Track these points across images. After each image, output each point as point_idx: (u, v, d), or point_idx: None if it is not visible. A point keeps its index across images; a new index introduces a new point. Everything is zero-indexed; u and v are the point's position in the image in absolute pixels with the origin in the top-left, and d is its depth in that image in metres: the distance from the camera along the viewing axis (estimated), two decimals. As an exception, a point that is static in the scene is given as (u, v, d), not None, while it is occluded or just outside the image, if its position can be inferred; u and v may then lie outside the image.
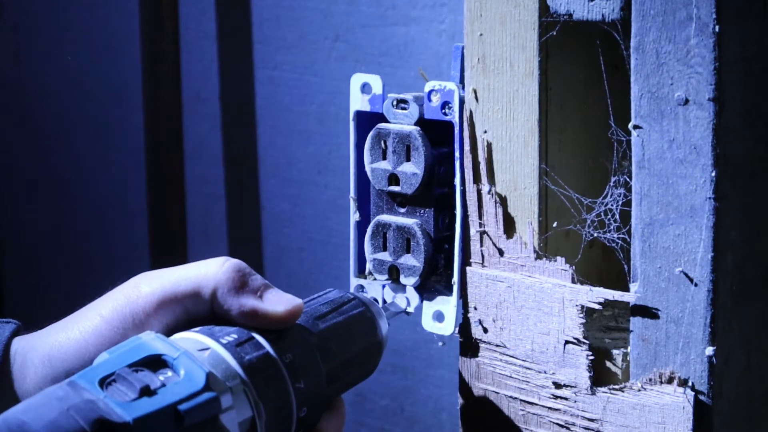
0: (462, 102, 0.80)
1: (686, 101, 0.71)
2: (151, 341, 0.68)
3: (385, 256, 0.84)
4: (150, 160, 1.69)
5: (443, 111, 0.80)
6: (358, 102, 0.84)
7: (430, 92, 0.80)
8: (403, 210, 0.84)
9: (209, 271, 0.75)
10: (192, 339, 0.70)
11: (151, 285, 0.76)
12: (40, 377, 0.75)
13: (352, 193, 0.86)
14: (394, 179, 0.83)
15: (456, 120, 0.80)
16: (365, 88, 0.83)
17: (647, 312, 0.74)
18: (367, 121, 0.84)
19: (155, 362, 0.67)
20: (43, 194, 1.96)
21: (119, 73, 1.81)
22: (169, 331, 0.74)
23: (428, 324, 0.84)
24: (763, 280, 0.76)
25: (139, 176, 1.74)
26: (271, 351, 0.71)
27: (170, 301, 0.75)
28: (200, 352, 0.69)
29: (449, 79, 0.81)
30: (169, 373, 0.66)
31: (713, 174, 0.71)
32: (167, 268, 0.77)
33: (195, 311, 0.75)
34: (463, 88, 0.80)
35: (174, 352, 0.67)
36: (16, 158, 1.99)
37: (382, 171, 0.83)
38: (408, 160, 0.82)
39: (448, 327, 0.83)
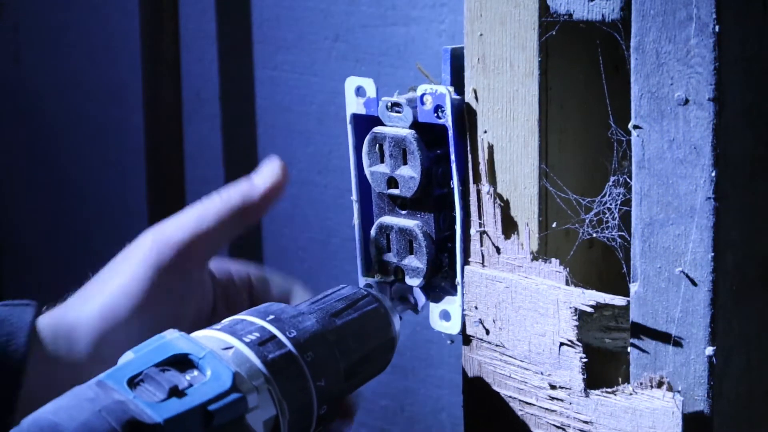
0: (454, 105, 0.79)
1: (686, 101, 0.71)
2: (176, 340, 0.68)
3: (390, 257, 0.84)
4: (150, 160, 1.69)
5: (436, 114, 0.80)
6: (353, 105, 0.83)
7: (422, 96, 0.80)
8: (404, 212, 0.84)
9: (215, 208, 0.83)
10: (215, 337, 0.70)
11: (179, 232, 0.82)
12: (97, 335, 0.80)
13: (354, 196, 0.86)
14: (393, 182, 0.83)
15: (449, 123, 0.79)
16: (359, 91, 0.83)
17: (647, 312, 0.74)
18: (364, 123, 0.84)
19: (181, 362, 0.67)
20: (43, 194, 1.96)
21: (119, 73, 1.81)
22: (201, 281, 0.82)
23: (436, 323, 0.84)
24: (763, 280, 0.76)
25: (139, 176, 1.74)
26: (293, 349, 0.71)
27: (198, 244, 0.82)
28: (224, 351, 0.69)
29: (442, 82, 0.81)
30: (196, 373, 0.67)
31: (713, 174, 0.71)
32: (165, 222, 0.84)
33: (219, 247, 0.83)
34: (455, 90, 0.80)
35: (200, 351, 0.68)
36: (16, 158, 1.99)
37: (380, 174, 0.83)
38: (405, 163, 0.81)
39: (454, 326, 0.83)
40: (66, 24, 1.88)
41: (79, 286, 0.87)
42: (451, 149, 0.80)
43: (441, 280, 0.84)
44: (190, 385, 0.65)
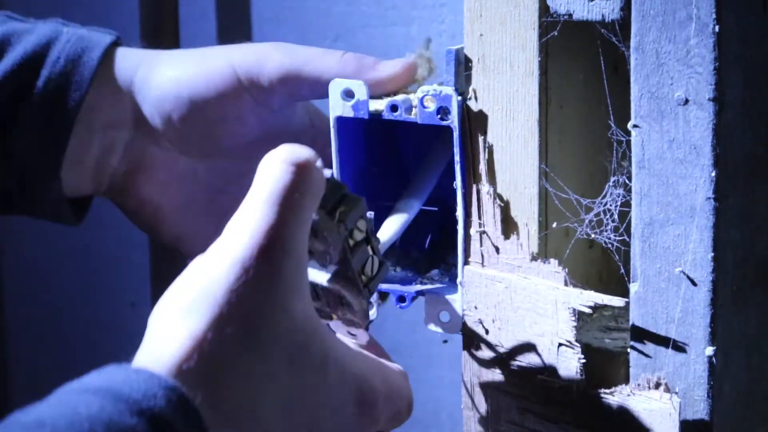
0: (460, 105, 0.79)
1: (686, 101, 0.71)
2: None
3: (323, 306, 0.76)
4: (150, 160, 1.69)
5: (440, 116, 0.79)
6: (339, 108, 0.82)
7: (422, 98, 0.79)
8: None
9: (332, 62, 0.82)
10: None
11: (281, 54, 0.83)
12: (162, 93, 0.84)
13: None
14: None
15: (455, 125, 0.79)
16: (347, 93, 0.81)
17: (647, 312, 0.74)
18: (350, 126, 0.83)
19: None
20: (43, 194, 1.96)
21: (119, 73, 1.81)
22: (284, 110, 0.85)
23: (432, 323, 0.84)
24: (763, 280, 0.76)
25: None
26: None
27: (294, 79, 0.82)
28: None
29: (445, 83, 0.80)
30: None
31: (713, 174, 0.71)
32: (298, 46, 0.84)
33: (311, 94, 0.84)
34: (457, 91, 0.79)
35: None
36: (16, 158, 1.99)
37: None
38: None
39: (453, 326, 0.83)
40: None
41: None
42: (457, 150, 0.79)
43: (440, 280, 0.84)
44: None
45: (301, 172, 0.65)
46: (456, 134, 0.79)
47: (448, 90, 0.79)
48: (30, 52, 0.85)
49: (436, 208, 0.82)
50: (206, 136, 0.86)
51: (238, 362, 0.61)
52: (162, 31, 1.66)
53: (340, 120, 0.82)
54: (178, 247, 0.90)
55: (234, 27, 1.65)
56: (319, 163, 0.67)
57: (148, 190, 0.89)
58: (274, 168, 0.65)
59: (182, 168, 0.88)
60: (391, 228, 0.83)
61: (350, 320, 0.76)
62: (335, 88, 0.82)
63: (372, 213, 0.76)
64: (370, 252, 0.73)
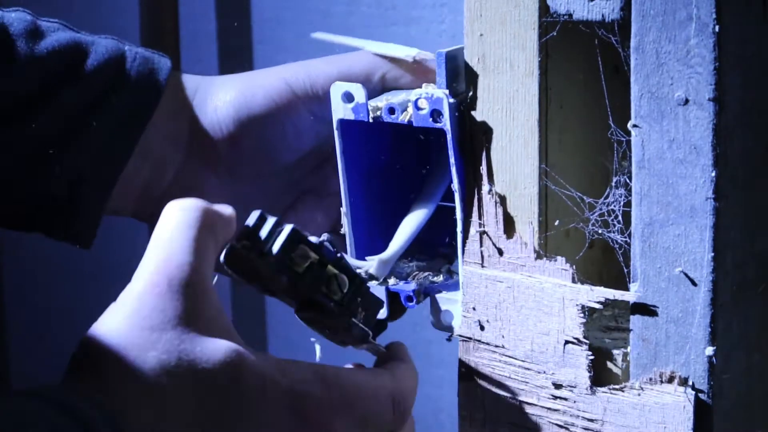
0: (452, 108, 0.79)
1: (686, 101, 0.71)
2: None
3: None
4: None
5: (432, 119, 0.79)
6: (340, 111, 0.82)
7: (417, 100, 0.79)
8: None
9: (377, 59, 0.86)
10: None
11: (328, 64, 0.86)
12: (221, 116, 0.86)
13: (343, 207, 0.85)
14: None
15: (448, 128, 0.79)
16: (347, 96, 0.82)
17: (647, 312, 0.74)
18: (352, 128, 0.83)
19: None
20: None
21: (119, 73, 1.81)
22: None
23: (437, 323, 0.84)
24: (763, 280, 0.76)
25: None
26: None
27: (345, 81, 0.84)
28: None
29: (438, 85, 0.80)
30: None
31: (713, 174, 0.71)
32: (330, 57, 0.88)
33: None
34: (451, 94, 0.79)
35: None
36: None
37: None
38: None
39: (455, 326, 0.83)
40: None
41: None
42: (451, 152, 0.79)
43: (444, 280, 0.84)
44: None
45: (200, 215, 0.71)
46: (449, 137, 0.79)
47: (439, 93, 0.78)
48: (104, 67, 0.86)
49: (453, 204, 0.82)
50: (264, 154, 0.87)
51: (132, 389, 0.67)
52: (162, 31, 1.66)
53: (343, 123, 0.83)
54: None
55: (234, 27, 1.65)
56: (227, 211, 0.72)
57: None
58: (171, 213, 0.71)
59: (232, 192, 0.88)
60: (398, 239, 0.84)
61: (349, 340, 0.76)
62: (336, 91, 0.82)
63: (326, 235, 0.83)
64: (333, 270, 0.73)
